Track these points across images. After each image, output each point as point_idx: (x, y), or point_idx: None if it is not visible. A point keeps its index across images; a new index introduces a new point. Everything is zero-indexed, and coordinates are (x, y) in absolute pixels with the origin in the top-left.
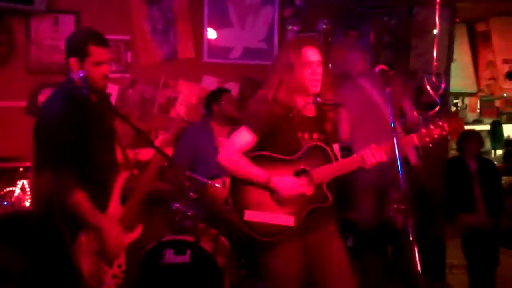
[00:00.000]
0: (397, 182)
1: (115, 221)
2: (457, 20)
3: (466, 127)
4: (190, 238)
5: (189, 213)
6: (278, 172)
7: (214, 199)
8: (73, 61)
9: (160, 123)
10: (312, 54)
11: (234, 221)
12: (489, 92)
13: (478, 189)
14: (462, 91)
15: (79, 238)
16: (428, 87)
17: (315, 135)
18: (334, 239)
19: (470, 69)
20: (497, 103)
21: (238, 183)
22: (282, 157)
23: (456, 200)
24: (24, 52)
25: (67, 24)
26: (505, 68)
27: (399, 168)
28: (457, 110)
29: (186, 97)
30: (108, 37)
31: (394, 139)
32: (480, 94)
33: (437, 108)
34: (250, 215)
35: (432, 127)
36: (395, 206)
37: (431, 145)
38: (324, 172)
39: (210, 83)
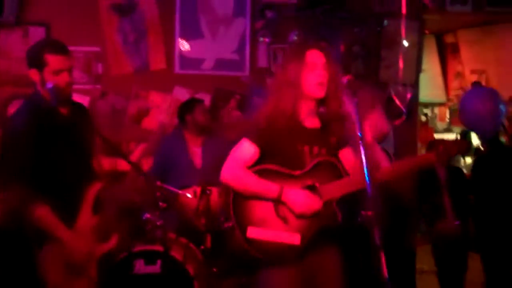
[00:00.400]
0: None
1: (86, 231)
2: (426, 32)
3: (436, 136)
4: (160, 248)
5: (158, 223)
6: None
7: (184, 209)
8: (33, 72)
9: (132, 134)
10: (317, 57)
11: (205, 230)
12: (457, 101)
13: (447, 197)
14: (432, 101)
15: (45, 249)
16: (395, 97)
17: (315, 149)
18: (334, 264)
19: (439, 80)
20: None
21: (240, 199)
22: (289, 171)
23: (426, 208)
24: None
25: (37, 36)
26: (473, 78)
27: (366, 175)
28: (427, 119)
29: (167, 106)
30: (79, 48)
31: (361, 148)
32: (449, 103)
33: (404, 117)
34: (253, 232)
35: (450, 144)
36: (363, 213)
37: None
38: (334, 189)
39: (181, 94)
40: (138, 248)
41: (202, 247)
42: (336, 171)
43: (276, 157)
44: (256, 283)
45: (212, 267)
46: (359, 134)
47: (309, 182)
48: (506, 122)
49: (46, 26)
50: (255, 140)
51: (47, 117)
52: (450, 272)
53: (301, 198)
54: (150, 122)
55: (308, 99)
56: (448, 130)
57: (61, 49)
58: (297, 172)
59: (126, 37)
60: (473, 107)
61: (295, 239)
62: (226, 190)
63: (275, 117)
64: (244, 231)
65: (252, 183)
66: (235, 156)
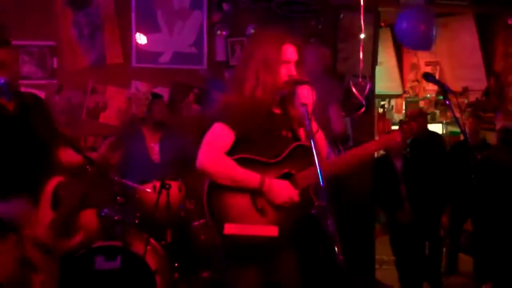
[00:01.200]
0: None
1: (43, 226)
2: (382, 24)
3: (393, 128)
4: (119, 244)
5: (116, 218)
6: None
7: (144, 204)
8: None
9: (89, 129)
10: (292, 53)
11: (165, 225)
12: (413, 93)
13: (403, 186)
14: (388, 93)
15: None
16: (354, 89)
17: (283, 133)
18: (293, 265)
19: (395, 72)
20: (421, 103)
21: (215, 193)
22: (265, 159)
23: (384, 198)
24: None
25: None
26: (428, 70)
27: (317, 166)
28: (384, 111)
29: (144, 96)
30: (33, 43)
31: (311, 139)
32: (405, 95)
33: (363, 109)
34: (230, 229)
35: (412, 123)
36: (316, 203)
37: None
38: (310, 175)
39: (139, 88)
40: (98, 244)
41: (163, 242)
42: (311, 156)
43: (250, 144)
44: (221, 278)
45: (173, 262)
46: (308, 125)
47: (285, 169)
48: (458, 114)
49: None
50: (232, 125)
51: None
52: (408, 260)
53: (281, 189)
54: (108, 117)
55: (278, 93)
56: None
57: (3, 41)
58: (273, 160)
59: (81, 31)
60: (408, 26)
61: (273, 231)
62: (194, 184)
63: (251, 106)
64: (221, 228)
65: (234, 170)
66: (212, 141)
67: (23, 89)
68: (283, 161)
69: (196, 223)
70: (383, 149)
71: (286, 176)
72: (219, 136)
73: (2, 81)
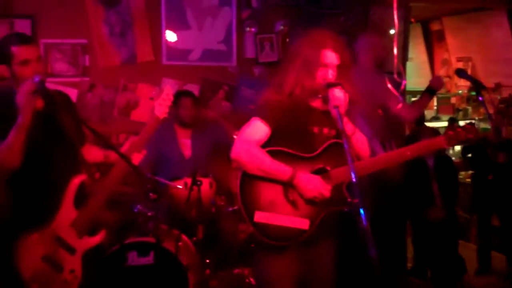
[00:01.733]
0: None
1: (65, 225)
2: (413, 20)
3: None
4: (152, 240)
5: (149, 214)
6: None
7: (175, 200)
8: (2, 69)
9: (121, 126)
10: (331, 58)
11: (196, 221)
12: (445, 89)
13: (435, 185)
14: (419, 89)
15: (21, 241)
16: (390, 85)
17: (325, 130)
18: (329, 257)
19: (426, 68)
20: (453, 100)
21: (248, 182)
22: (300, 154)
23: (415, 196)
24: None
25: (24, 29)
26: (459, 66)
27: (350, 163)
28: None
29: (168, 97)
30: (65, 41)
31: (345, 142)
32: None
33: (401, 104)
34: (260, 217)
35: (459, 129)
36: (349, 200)
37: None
38: (344, 172)
39: (169, 85)
40: (131, 240)
41: (194, 238)
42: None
43: (287, 138)
44: (253, 271)
45: (204, 258)
46: (340, 127)
47: (320, 165)
48: (491, 110)
49: (32, 18)
50: (268, 119)
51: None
52: (439, 259)
53: (312, 184)
54: (139, 114)
55: (316, 95)
56: (436, 118)
57: (25, 39)
58: (308, 154)
59: (112, 29)
60: None
61: (304, 223)
62: (225, 180)
63: (289, 103)
64: (251, 215)
65: (265, 161)
66: (248, 134)
67: (54, 86)
68: (318, 156)
69: (230, 209)
70: (427, 153)
71: (321, 172)
72: (255, 129)
73: (37, 79)
